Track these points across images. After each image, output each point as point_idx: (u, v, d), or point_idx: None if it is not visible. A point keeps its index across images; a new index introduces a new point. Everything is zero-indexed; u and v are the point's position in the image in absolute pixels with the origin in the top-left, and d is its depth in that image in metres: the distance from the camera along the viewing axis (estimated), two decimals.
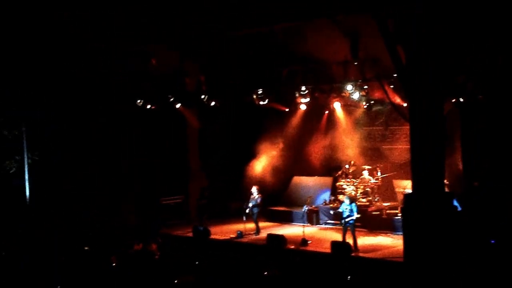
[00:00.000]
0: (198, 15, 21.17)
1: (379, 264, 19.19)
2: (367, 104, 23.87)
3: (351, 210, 20.62)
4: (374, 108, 24.88)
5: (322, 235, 23.34)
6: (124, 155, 26.08)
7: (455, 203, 18.29)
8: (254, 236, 23.62)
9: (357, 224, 21.94)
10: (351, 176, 25.53)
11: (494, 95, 19.07)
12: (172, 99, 25.76)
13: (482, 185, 20.75)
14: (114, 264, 19.79)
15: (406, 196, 18.28)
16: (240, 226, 24.03)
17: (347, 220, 20.65)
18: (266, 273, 17.54)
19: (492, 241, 18.22)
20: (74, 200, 24.62)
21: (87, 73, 24.29)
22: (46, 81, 24.02)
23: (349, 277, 17.30)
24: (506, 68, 17.98)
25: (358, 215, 20.90)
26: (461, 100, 20.20)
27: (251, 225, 23.96)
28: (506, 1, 16.98)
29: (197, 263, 19.72)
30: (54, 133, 24.71)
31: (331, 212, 24.70)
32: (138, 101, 25.74)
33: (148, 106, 26.00)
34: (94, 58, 23.98)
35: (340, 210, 21.11)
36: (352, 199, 21.82)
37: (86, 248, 21.64)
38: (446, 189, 19.46)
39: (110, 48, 23.76)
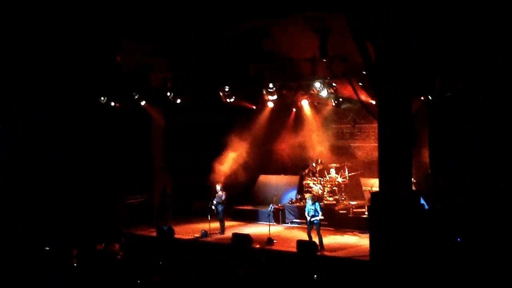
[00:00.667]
0: (164, 10, 20.92)
1: (345, 263, 19.06)
2: (336, 102, 23.75)
3: (316, 210, 20.48)
4: (342, 106, 24.85)
5: (288, 234, 23.15)
6: (86, 154, 25.54)
7: (422, 201, 18.27)
8: (219, 235, 23.35)
9: (324, 223, 21.86)
10: (318, 175, 25.40)
11: (462, 93, 19.02)
12: (137, 97, 25.34)
13: (448, 184, 20.77)
14: (75, 265, 19.49)
15: (373, 194, 18.41)
16: (205, 225, 23.70)
17: (312, 219, 20.48)
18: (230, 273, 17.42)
19: (459, 239, 18.14)
20: (32, 199, 24.12)
21: (49, 69, 23.90)
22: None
23: (315, 276, 17.17)
24: (475, 65, 17.94)
25: (322, 217, 20.71)
26: (430, 98, 20.13)
27: (216, 224, 23.71)
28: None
29: (161, 263, 19.50)
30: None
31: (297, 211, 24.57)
32: (102, 98, 25.28)
33: (112, 104, 25.57)
34: (58, 53, 23.63)
35: (306, 209, 20.91)
36: (315, 199, 21.65)
37: (46, 248, 21.18)
38: (413, 188, 19.55)
39: (74, 43, 23.42)
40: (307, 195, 23.98)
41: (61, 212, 24.47)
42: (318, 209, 20.57)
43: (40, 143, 24.37)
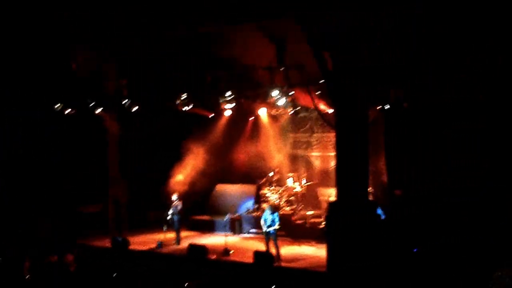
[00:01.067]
0: (119, 14, 20.71)
1: (302, 274, 18.93)
2: (293, 111, 23.71)
3: (273, 220, 20.32)
4: (300, 115, 24.88)
5: (245, 244, 22.96)
6: (38, 162, 25.11)
7: (379, 211, 18.27)
8: (174, 246, 23.05)
9: (280, 233, 21.70)
10: (275, 184, 25.39)
11: (418, 103, 19.11)
12: (92, 104, 24.95)
13: (406, 193, 20.85)
14: (27, 277, 19.10)
15: (330, 204, 18.31)
16: (160, 236, 23.42)
17: (268, 230, 20.33)
18: (186, 284, 17.20)
19: (415, 250, 18.17)
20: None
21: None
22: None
23: (272, 287, 17.07)
24: (432, 74, 18.05)
25: (279, 227, 20.56)
26: (386, 107, 20.16)
27: (171, 235, 23.41)
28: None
29: (115, 275, 19.21)
30: None
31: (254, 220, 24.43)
32: (57, 105, 24.84)
33: (67, 111, 25.12)
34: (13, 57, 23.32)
35: (262, 219, 20.75)
36: (275, 209, 21.51)
37: None
38: (370, 198, 19.59)
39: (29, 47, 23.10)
40: (264, 205, 23.91)
41: (11, 221, 24.00)
42: (276, 219, 20.43)
43: None
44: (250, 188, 26.65)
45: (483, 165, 18.93)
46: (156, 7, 19.50)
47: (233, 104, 23.47)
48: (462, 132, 19.15)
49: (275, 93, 21.73)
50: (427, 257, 17.61)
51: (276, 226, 20.30)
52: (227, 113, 25.36)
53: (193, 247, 21.48)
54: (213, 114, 26.31)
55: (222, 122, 26.69)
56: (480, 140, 19.05)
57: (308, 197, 25.16)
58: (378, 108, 20.50)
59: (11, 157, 24.17)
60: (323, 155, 25.40)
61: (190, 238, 24.06)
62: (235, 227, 24.73)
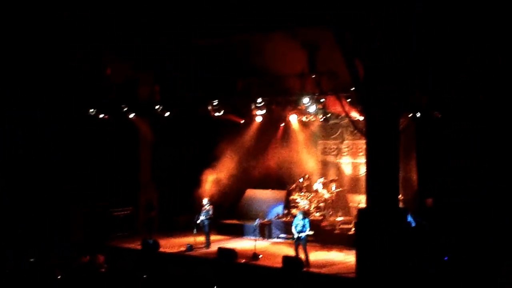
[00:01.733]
0: (153, 23, 20.98)
1: (331, 280, 18.91)
2: (324, 118, 23.79)
3: (304, 225, 20.35)
4: (330, 122, 24.94)
5: (274, 249, 22.99)
6: (74, 165, 25.51)
7: (409, 219, 18.25)
8: (204, 250, 23.20)
9: (310, 239, 21.70)
10: (305, 190, 25.38)
11: (451, 111, 19.09)
12: (125, 109, 25.29)
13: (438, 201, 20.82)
14: (58, 277, 19.37)
15: (360, 211, 18.25)
16: (190, 239, 23.58)
17: (299, 235, 20.40)
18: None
19: (446, 258, 18.14)
20: (18, 210, 24.07)
21: (38, 79, 23.93)
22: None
23: None
24: (464, 83, 18.02)
25: (311, 232, 20.61)
26: (417, 115, 20.17)
27: (201, 238, 23.57)
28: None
29: (145, 276, 19.41)
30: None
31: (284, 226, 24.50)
32: (91, 110, 25.20)
33: (101, 116, 25.49)
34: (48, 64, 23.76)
35: (293, 224, 20.83)
36: (306, 214, 21.59)
37: (31, 259, 21.04)
38: (400, 205, 19.55)
39: (64, 55, 23.45)
40: (294, 210, 23.94)
41: (44, 223, 24.38)
42: (307, 224, 20.41)
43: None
44: (280, 194, 26.69)
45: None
46: (190, 16, 19.71)
47: (264, 111, 23.59)
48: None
49: (306, 100, 21.80)
50: (458, 266, 17.57)
51: (308, 232, 20.35)
52: (258, 119, 25.52)
53: (222, 251, 21.62)
54: (244, 120, 26.46)
55: (253, 128, 26.78)
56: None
57: (338, 203, 25.13)
58: (409, 116, 20.51)
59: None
60: (353, 162, 25.39)
61: (219, 242, 24.16)
62: (265, 232, 24.78)
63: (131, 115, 25.70)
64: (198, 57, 23.79)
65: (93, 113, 25.30)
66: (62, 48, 23.53)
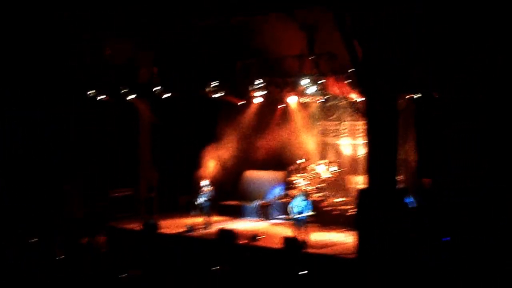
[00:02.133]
0: (153, 5, 21.00)
1: (331, 261, 19.03)
2: (323, 99, 23.85)
3: (304, 206, 20.48)
4: (329, 103, 24.97)
5: (274, 230, 23.17)
6: (72, 146, 25.65)
7: (408, 199, 18.35)
8: (204, 231, 23.35)
9: (309, 220, 21.87)
10: (304, 171, 25.50)
11: (449, 91, 19.12)
12: (124, 91, 25.33)
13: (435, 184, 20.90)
14: (60, 257, 19.52)
15: (360, 191, 18.35)
16: (190, 220, 23.83)
17: (299, 216, 20.51)
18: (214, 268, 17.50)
19: (445, 239, 18.25)
20: (19, 190, 24.19)
21: (37, 60, 23.94)
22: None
23: (301, 272, 17.26)
24: (461, 64, 18.04)
25: (311, 213, 20.75)
26: (416, 96, 20.25)
27: (201, 219, 23.75)
28: None
29: (145, 257, 19.55)
30: None
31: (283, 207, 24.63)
32: (90, 91, 25.21)
33: (100, 97, 25.53)
34: (47, 45, 23.76)
35: (292, 205, 20.95)
36: (306, 195, 21.73)
37: (32, 240, 21.17)
38: (400, 185, 19.64)
39: (63, 37, 23.45)
40: (294, 191, 24.05)
41: (45, 204, 24.54)
42: (308, 205, 20.61)
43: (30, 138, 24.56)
44: (279, 175, 26.77)
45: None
46: None
47: (263, 92, 23.64)
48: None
49: (305, 81, 21.85)
50: (457, 247, 17.68)
51: (308, 212, 20.49)
52: (257, 100, 25.59)
53: (222, 232, 21.74)
54: (243, 102, 26.50)
55: (252, 109, 26.80)
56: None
57: (337, 184, 25.22)
58: (408, 97, 20.53)
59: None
60: (353, 143, 25.35)
61: (219, 223, 24.30)
62: (264, 213, 25.02)
63: (131, 97, 25.70)
64: (198, 38, 23.81)
65: (93, 94, 25.30)
66: (62, 30, 23.56)
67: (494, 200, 18.45)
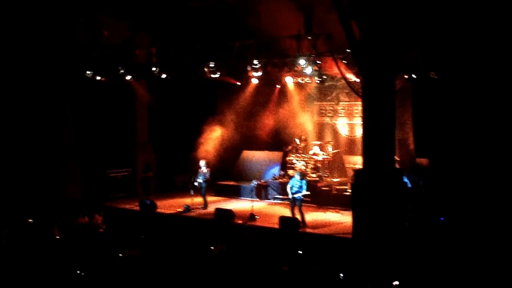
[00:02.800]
0: None
1: (328, 240, 19.20)
2: (320, 79, 23.82)
3: (300, 186, 20.56)
4: (326, 83, 24.90)
5: (271, 210, 23.33)
6: (70, 127, 25.71)
7: (405, 179, 18.41)
8: (201, 210, 23.49)
9: (306, 199, 21.98)
10: (301, 151, 25.59)
11: (446, 72, 19.12)
12: (122, 71, 25.20)
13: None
14: (57, 237, 19.57)
15: (356, 172, 18.35)
16: (187, 200, 23.88)
17: (295, 195, 20.60)
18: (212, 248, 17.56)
19: (441, 218, 18.40)
20: (16, 171, 24.19)
21: (35, 42, 23.83)
22: None
23: (299, 252, 17.36)
24: (459, 45, 18.03)
25: (307, 192, 20.84)
26: (414, 76, 20.26)
27: (198, 199, 23.82)
28: None
29: (142, 237, 19.61)
30: None
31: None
32: (88, 72, 25.16)
33: (98, 78, 25.47)
34: (43, 26, 23.60)
35: (289, 185, 21.03)
36: (303, 175, 21.78)
37: (29, 220, 21.25)
38: (397, 166, 19.71)
39: (60, 17, 23.36)
40: (291, 171, 24.12)
41: (42, 185, 24.59)
42: (304, 185, 20.66)
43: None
44: (276, 155, 26.99)
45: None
46: None
47: (260, 72, 23.56)
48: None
49: (302, 61, 21.76)
50: (454, 226, 17.75)
51: (304, 192, 20.57)
52: (255, 81, 25.53)
53: (220, 211, 21.87)
54: (240, 82, 26.46)
55: (249, 89, 26.84)
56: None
57: (334, 165, 25.44)
58: (405, 77, 20.50)
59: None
60: (349, 123, 25.55)
61: (216, 203, 24.47)
62: (261, 193, 25.12)
63: (128, 77, 25.60)
64: (195, 19, 23.73)
65: (90, 75, 25.25)
66: (59, 11, 23.50)
67: (490, 179, 18.54)
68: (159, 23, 24.69)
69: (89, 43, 24.82)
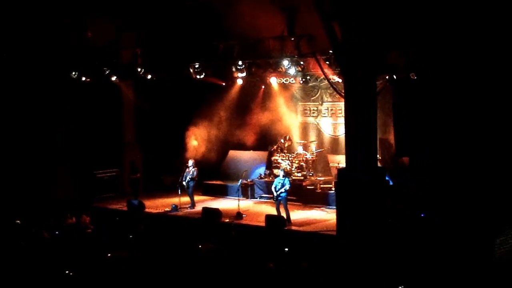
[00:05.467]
0: None
1: (313, 237, 19.49)
2: (303, 80, 24.14)
3: (283, 184, 20.87)
4: (309, 84, 25.29)
5: (257, 208, 23.60)
6: (56, 128, 25.78)
7: (387, 177, 18.70)
8: (189, 210, 23.72)
9: (291, 198, 22.28)
10: (286, 151, 25.83)
11: (426, 73, 19.38)
12: (107, 72, 25.37)
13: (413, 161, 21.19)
14: (47, 238, 19.66)
15: (340, 170, 18.67)
16: (175, 200, 24.11)
17: (279, 193, 20.91)
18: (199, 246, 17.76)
19: (422, 215, 18.63)
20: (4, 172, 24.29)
21: (20, 43, 23.90)
22: None
23: (286, 249, 17.62)
24: (438, 46, 18.29)
25: (288, 187, 21.03)
26: (394, 77, 20.48)
27: (186, 199, 24.04)
28: None
29: (131, 237, 19.78)
30: None
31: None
32: (73, 73, 25.26)
33: (83, 79, 25.55)
34: (29, 27, 23.65)
35: (273, 184, 21.33)
36: (286, 173, 22.08)
37: (17, 221, 21.34)
38: (379, 164, 20.00)
39: (45, 18, 23.47)
40: (276, 171, 24.37)
41: (31, 186, 24.64)
42: (287, 183, 20.96)
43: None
44: (262, 155, 27.15)
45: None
46: None
47: (245, 73, 23.76)
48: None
49: (285, 62, 22.00)
50: (434, 222, 18.02)
51: (287, 187, 20.84)
52: (239, 81, 25.84)
53: (207, 210, 22.12)
54: (225, 83, 26.72)
55: (235, 90, 27.09)
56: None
57: (319, 164, 25.67)
58: (386, 77, 20.70)
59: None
60: (333, 123, 25.76)
61: (203, 202, 24.69)
62: (247, 192, 25.35)
63: (114, 78, 25.76)
64: (180, 20, 23.88)
65: (76, 76, 25.32)
66: (44, 12, 23.54)
67: (469, 176, 18.78)
68: (144, 24, 24.79)
69: (75, 44, 24.88)
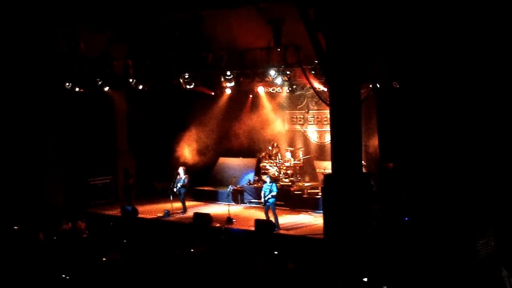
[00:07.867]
0: None
1: (301, 241, 19.92)
2: (290, 89, 24.59)
3: (271, 190, 21.34)
4: (296, 93, 25.68)
5: (247, 213, 24.03)
6: (51, 136, 26.17)
7: (372, 183, 19.11)
8: (181, 215, 24.17)
9: (280, 203, 22.74)
10: (274, 157, 26.28)
11: (408, 81, 19.84)
12: (100, 82, 25.58)
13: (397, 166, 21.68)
14: (42, 243, 19.99)
15: (326, 176, 18.89)
16: (167, 205, 24.51)
17: (266, 199, 21.41)
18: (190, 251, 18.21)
19: (406, 219, 19.10)
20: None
21: (14, 54, 24.31)
22: None
23: (275, 252, 18.08)
24: (421, 55, 18.69)
25: (275, 193, 21.44)
26: (378, 86, 20.90)
27: (178, 204, 24.46)
28: None
29: (124, 241, 20.13)
30: None
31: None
32: (67, 84, 25.58)
33: (77, 89, 25.79)
34: (23, 39, 24.03)
35: (262, 190, 21.79)
36: (273, 179, 22.56)
37: (15, 227, 21.76)
38: (364, 170, 20.38)
39: (39, 30, 23.87)
40: (264, 177, 24.80)
41: (26, 192, 24.97)
42: (274, 188, 21.39)
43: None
44: (250, 161, 27.58)
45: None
46: None
47: (233, 83, 23.91)
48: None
49: (272, 72, 22.08)
50: (417, 225, 18.44)
51: (274, 193, 21.29)
52: (228, 91, 26.27)
53: (198, 216, 22.56)
54: (214, 92, 27.10)
55: (223, 99, 27.56)
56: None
57: (306, 170, 26.09)
58: (370, 86, 21.13)
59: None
60: (319, 130, 26.19)
61: (195, 207, 25.10)
62: (237, 197, 25.83)
63: (106, 88, 26.03)
64: (170, 31, 24.18)
65: (69, 86, 25.60)
66: (36, 24, 23.87)
67: (452, 180, 19.28)
68: (135, 35, 25.02)
69: (68, 55, 25.30)
